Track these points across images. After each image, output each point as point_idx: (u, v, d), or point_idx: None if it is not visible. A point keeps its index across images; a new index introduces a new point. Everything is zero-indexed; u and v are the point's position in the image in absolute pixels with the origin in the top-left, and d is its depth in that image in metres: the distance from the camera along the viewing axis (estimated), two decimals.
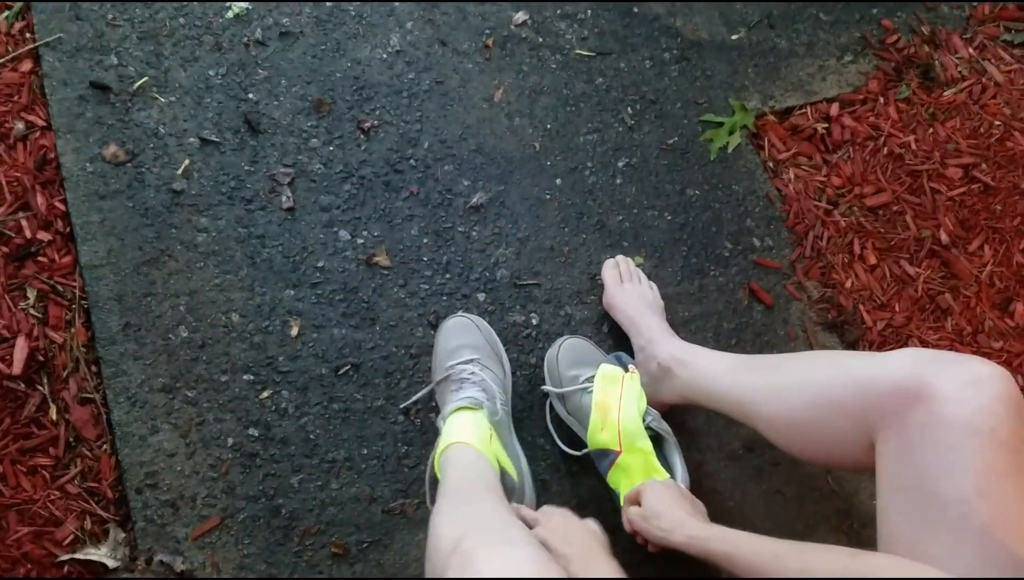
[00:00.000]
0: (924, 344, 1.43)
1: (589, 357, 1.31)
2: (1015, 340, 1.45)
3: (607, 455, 1.19)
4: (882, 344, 1.43)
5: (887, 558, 0.84)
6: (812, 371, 1.04)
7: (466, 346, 1.27)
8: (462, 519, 0.90)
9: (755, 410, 1.09)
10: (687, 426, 1.34)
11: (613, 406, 1.19)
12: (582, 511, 1.07)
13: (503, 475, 1.13)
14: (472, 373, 1.22)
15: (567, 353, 1.30)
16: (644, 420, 1.19)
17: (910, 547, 0.86)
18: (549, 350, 1.32)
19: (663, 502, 1.09)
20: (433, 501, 1.08)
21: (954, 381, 0.88)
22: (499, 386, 1.24)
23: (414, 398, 1.28)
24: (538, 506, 1.12)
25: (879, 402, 0.92)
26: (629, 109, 1.55)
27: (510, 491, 1.15)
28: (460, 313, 1.31)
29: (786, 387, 1.06)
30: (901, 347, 1.42)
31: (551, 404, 1.31)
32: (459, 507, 0.96)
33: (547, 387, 1.29)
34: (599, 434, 1.20)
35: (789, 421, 1.04)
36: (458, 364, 1.24)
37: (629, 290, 1.36)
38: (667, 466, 1.18)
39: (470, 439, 1.11)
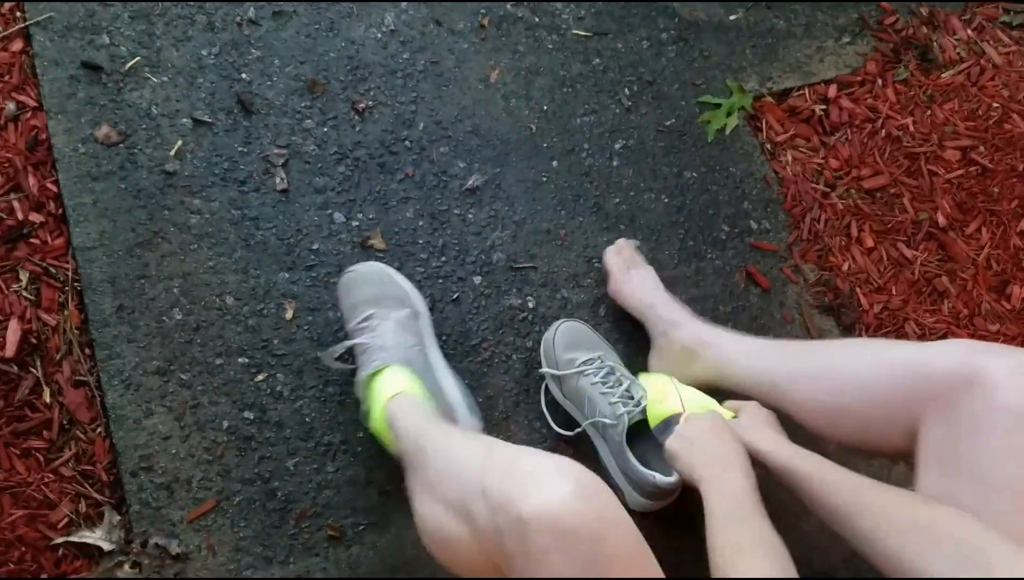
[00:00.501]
0: (920, 327, 1.43)
1: (585, 340, 1.30)
2: (1012, 323, 1.45)
3: (670, 423, 1.16)
4: (878, 327, 1.43)
5: (955, 514, 0.84)
6: (855, 357, 1.06)
7: (361, 302, 1.23)
8: (466, 443, 0.93)
9: (789, 394, 1.10)
10: None
11: (667, 381, 1.20)
12: None
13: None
14: (372, 334, 1.20)
15: (564, 336, 1.30)
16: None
17: None
18: (546, 333, 1.32)
19: (755, 420, 1.09)
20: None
21: (1007, 369, 0.89)
22: (404, 329, 1.22)
23: (339, 347, 1.25)
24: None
25: (929, 389, 0.93)
26: (626, 90, 1.54)
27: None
28: (347, 270, 1.27)
29: (823, 372, 1.08)
30: (897, 330, 1.42)
31: (546, 387, 1.31)
32: (450, 437, 0.98)
33: (544, 369, 1.29)
34: (659, 405, 1.18)
35: (827, 406, 1.06)
36: (358, 324, 1.22)
37: (636, 276, 1.35)
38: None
39: (399, 389, 1.13)
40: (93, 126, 1.35)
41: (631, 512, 0.80)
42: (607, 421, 1.21)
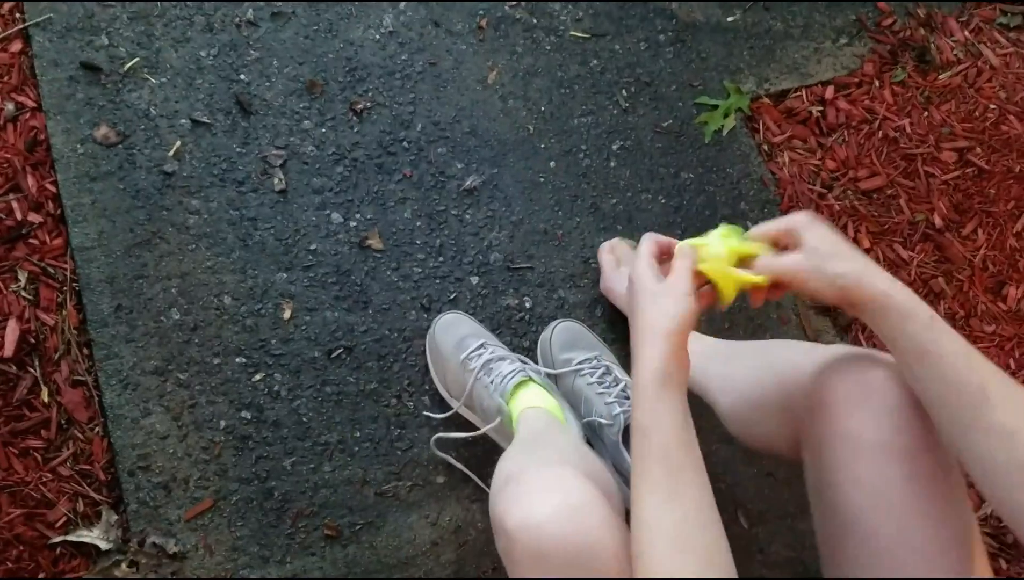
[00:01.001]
0: None
1: (582, 340, 1.31)
2: (1007, 324, 1.45)
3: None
4: None
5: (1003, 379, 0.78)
6: (762, 367, 1.03)
7: (468, 336, 1.27)
8: (523, 457, 0.92)
9: (715, 398, 1.10)
10: None
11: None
12: None
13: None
14: (493, 353, 1.23)
15: (560, 336, 1.30)
16: None
17: (831, 554, 0.85)
18: (543, 333, 1.32)
19: (829, 239, 0.88)
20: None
21: (845, 391, 0.84)
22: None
23: (454, 436, 1.23)
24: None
25: (797, 402, 0.90)
26: (624, 91, 1.55)
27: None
28: (441, 315, 1.31)
29: (739, 378, 1.06)
30: None
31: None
32: (525, 448, 0.98)
33: (540, 368, 1.29)
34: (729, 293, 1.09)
35: (737, 413, 1.05)
36: (472, 352, 1.23)
37: (626, 274, 1.36)
38: None
39: (542, 404, 1.16)
40: (92, 127, 1.35)
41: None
42: (603, 421, 1.21)
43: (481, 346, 1.24)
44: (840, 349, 0.91)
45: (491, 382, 1.19)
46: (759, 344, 1.15)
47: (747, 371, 1.05)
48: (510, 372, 1.19)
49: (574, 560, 0.75)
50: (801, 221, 0.86)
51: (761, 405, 0.99)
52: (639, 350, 0.81)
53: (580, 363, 1.26)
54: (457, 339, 1.26)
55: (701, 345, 1.21)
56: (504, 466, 0.91)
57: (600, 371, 1.24)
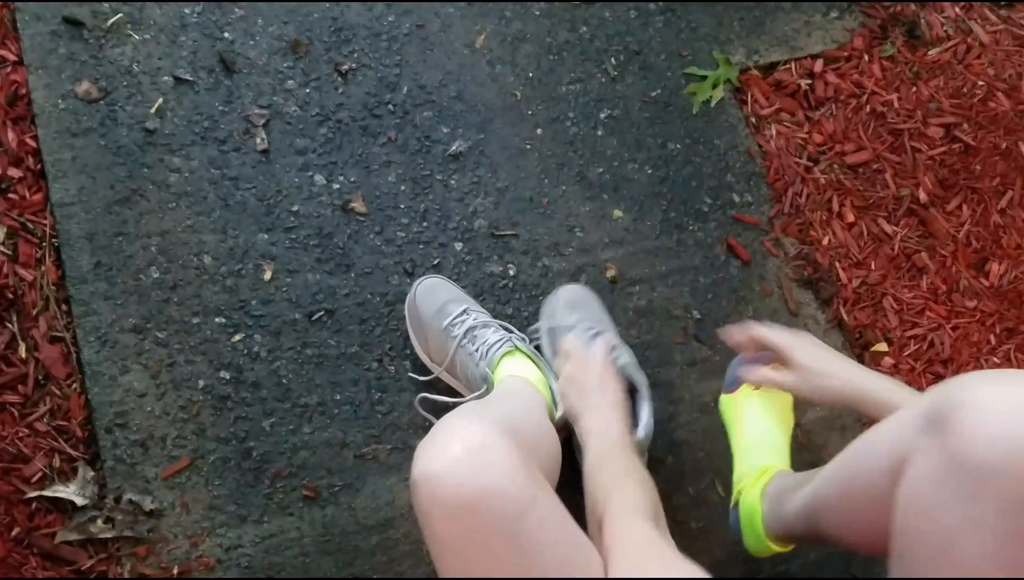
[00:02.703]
0: (898, 302, 1.43)
1: (592, 308, 1.29)
2: (989, 299, 1.45)
3: None
4: (856, 301, 1.43)
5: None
6: (855, 443, 0.90)
7: (449, 301, 1.26)
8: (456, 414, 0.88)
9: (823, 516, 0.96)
10: (660, 378, 1.35)
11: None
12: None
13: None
14: (476, 319, 1.22)
15: (568, 295, 1.29)
16: (626, 369, 1.19)
17: None
18: (553, 292, 1.31)
19: (819, 358, 1.04)
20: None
21: (981, 400, 0.69)
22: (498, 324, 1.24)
23: (439, 399, 1.20)
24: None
25: (905, 444, 0.76)
26: (612, 60, 1.54)
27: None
28: (422, 280, 1.29)
29: (837, 471, 0.93)
30: (875, 305, 1.43)
31: (538, 346, 1.28)
32: (472, 406, 0.94)
33: (524, 336, 1.27)
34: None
35: (840, 509, 0.92)
36: (455, 318, 1.23)
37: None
38: (634, 416, 1.18)
39: (528, 377, 1.16)
40: (74, 82, 1.34)
41: None
42: None
43: (464, 312, 1.23)
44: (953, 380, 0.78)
45: (476, 350, 1.19)
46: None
47: (846, 460, 0.91)
48: (497, 341, 1.18)
49: (474, 508, 0.72)
50: (791, 344, 1.06)
51: (868, 482, 0.84)
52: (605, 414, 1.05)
53: (581, 325, 1.24)
54: (439, 304, 1.25)
55: (791, 481, 1.08)
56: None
57: (593, 332, 1.23)
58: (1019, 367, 1.43)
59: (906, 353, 1.41)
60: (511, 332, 1.23)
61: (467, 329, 1.20)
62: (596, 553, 0.80)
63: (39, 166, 1.29)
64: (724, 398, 1.26)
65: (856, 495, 0.87)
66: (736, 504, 1.18)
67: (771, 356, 1.10)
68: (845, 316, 1.42)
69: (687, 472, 1.31)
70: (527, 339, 1.26)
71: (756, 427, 1.20)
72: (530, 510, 0.74)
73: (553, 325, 1.27)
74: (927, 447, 0.72)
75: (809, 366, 1.03)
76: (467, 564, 0.74)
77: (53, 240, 1.26)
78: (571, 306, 1.28)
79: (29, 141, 1.30)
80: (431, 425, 1.22)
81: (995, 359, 1.42)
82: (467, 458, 0.74)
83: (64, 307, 1.24)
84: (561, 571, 0.75)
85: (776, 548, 1.12)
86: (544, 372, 1.21)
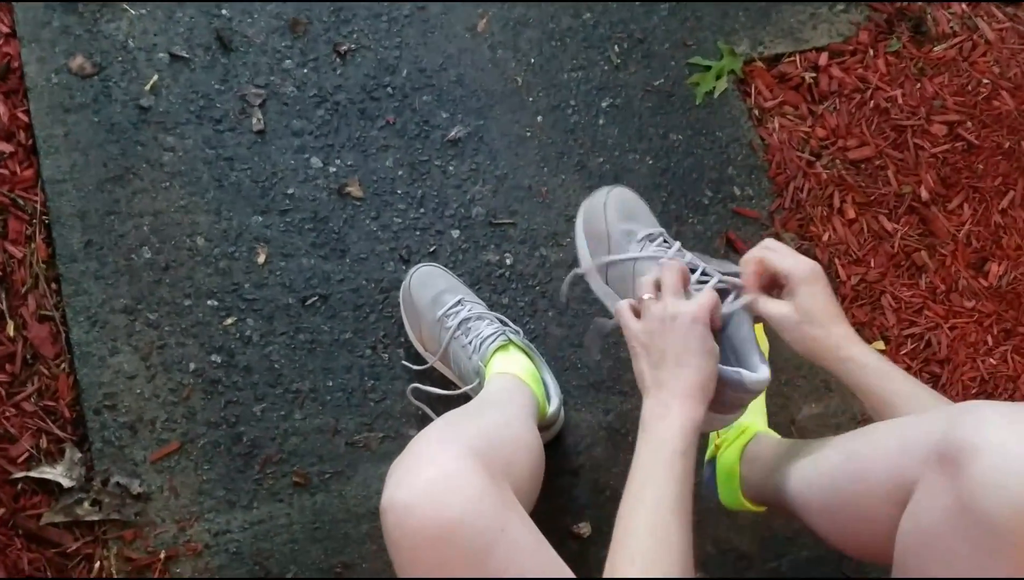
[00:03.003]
0: (897, 300, 1.42)
1: (642, 214, 1.10)
2: (987, 300, 1.45)
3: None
4: (855, 299, 1.42)
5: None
6: (852, 445, 0.88)
7: (444, 291, 1.24)
8: (433, 429, 0.85)
9: (801, 501, 0.94)
10: None
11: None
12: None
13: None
14: (471, 310, 1.20)
15: (617, 202, 1.08)
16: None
17: None
18: (590, 199, 1.10)
19: (826, 311, 0.93)
20: None
21: (998, 446, 0.65)
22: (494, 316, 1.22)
23: (431, 390, 1.19)
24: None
25: (909, 471, 0.74)
26: (616, 47, 1.52)
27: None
28: (417, 268, 1.27)
29: (832, 471, 0.90)
30: (873, 303, 1.42)
31: (570, 281, 1.09)
32: (451, 419, 0.91)
33: (518, 329, 1.24)
34: None
35: (827, 511, 0.90)
36: (450, 309, 1.21)
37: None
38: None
39: (519, 373, 1.12)
40: (67, 56, 1.31)
41: None
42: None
43: (458, 303, 1.22)
44: (966, 405, 0.76)
45: (469, 343, 1.17)
46: (844, 436, 0.93)
47: (839, 461, 0.89)
48: (490, 335, 1.17)
49: (440, 542, 0.71)
50: (802, 274, 0.93)
51: (865, 495, 0.83)
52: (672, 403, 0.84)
53: (643, 239, 1.05)
54: (434, 294, 1.24)
55: (780, 448, 1.07)
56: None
57: (675, 247, 1.05)
58: (1016, 368, 1.42)
59: (903, 352, 1.40)
60: (506, 324, 1.21)
61: (461, 320, 1.19)
62: (569, 573, 0.78)
63: (31, 141, 1.27)
64: None
65: (848, 510, 0.85)
66: (712, 460, 1.18)
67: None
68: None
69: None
70: (520, 332, 1.24)
71: None
72: (499, 540, 0.73)
73: (611, 259, 1.06)
74: (935, 483, 0.70)
75: (809, 308, 0.92)
76: None
77: (44, 217, 1.24)
78: (624, 217, 1.07)
79: (21, 116, 1.28)
80: (423, 414, 1.22)
81: (992, 360, 1.42)
82: (432, 489, 0.72)
83: (54, 286, 1.22)
84: None
85: (752, 508, 1.12)
86: (538, 366, 1.20)
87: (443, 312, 1.21)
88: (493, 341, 1.16)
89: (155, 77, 1.33)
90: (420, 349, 1.26)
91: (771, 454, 1.07)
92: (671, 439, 0.82)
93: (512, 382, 1.12)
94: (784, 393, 1.35)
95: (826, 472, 0.90)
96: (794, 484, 0.95)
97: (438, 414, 1.23)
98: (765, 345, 1.24)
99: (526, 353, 1.19)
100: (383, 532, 0.75)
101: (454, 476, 0.74)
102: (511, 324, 1.23)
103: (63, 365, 1.20)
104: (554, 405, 1.20)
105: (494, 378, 1.13)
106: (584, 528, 1.24)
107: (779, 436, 1.17)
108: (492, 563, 0.72)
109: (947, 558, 0.69)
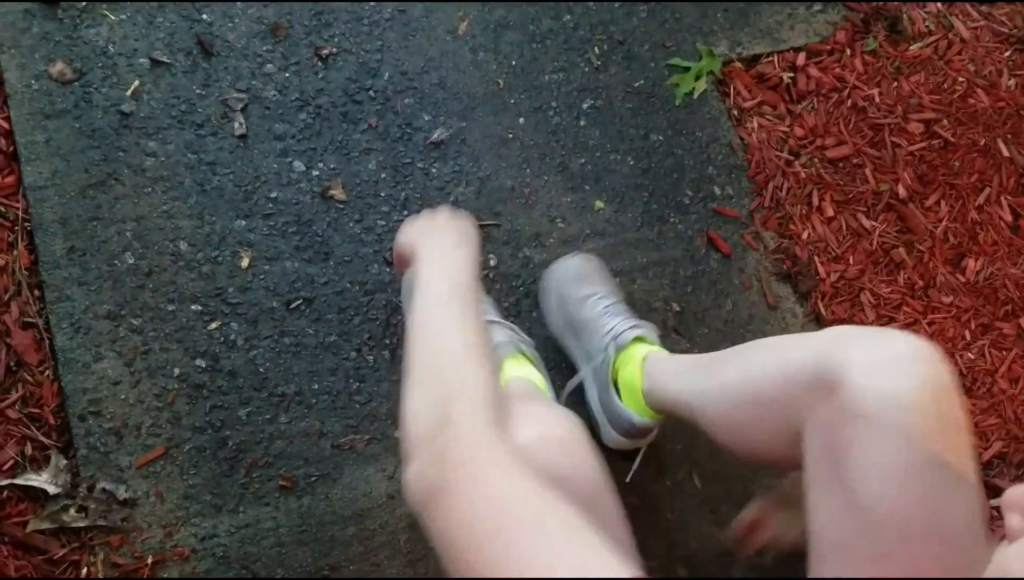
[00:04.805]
0: (875, 297, 1.44)
1: (596, 275, 1.31)
2: (965, 295, 1.47)
3: None
4: (834, 295, 1.44)
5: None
6: (749, 363, 0.94)
7: None
8: None
9: (701, 411, 1.01)
10: None
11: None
12: None
13: None
14: (486, 316, 1.21)
15: (572, 271, 1.30)
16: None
17: (839, 554, 0.77)
18: (548, 272, 1.32)
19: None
20: None
21: (864, 365, 0.75)
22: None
23: None
24: None
25: (798, 393, 0.82)
26: (596, 49, 1.53)
27: None
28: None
29: (724, 386, 0.97)
30: (853, 300, 1.44)
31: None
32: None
33: (530, 340, 1.26)
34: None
35: (728, 420, 0.96)
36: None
37: None
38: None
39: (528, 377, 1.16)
40: (47, 62, 1.31)
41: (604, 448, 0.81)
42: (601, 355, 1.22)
43: None
44: (842, 329, 0.85)
45: None
46: (741, 347, 1.01)
47: (735, 374, 0.96)
48: (501, 343, 1.19)
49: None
50: None
51: (756, 404, 0.90)
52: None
53: (596, 298, 1.26)
54: None
55: (675, 365, 1.13)
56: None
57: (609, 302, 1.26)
58: (993, 362, 1.44)
59: None
60: (516, 333, 1.23)
61: None
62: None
63: (11, 148, 1.26)
64: None
65: (746, 428, 0.93)
66: (615, 381, 1.22)
67: None
68: (823, 310, 1.43)
69: (664, 464, 1.32)
70: (532, 343, 1.26)
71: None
72: (604, 498, 0.78)
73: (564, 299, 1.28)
74: (822, 405, 0.79)
75: None
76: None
77: (26, 224, 1.24)
78: (580, 279, 1.29)
79: (1, 122, 1.27)
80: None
81: (970, 354, 1.44)
82: (554, 443, 0.78)
83: (37, 292, 1.22)
84: None
85: (655, 417, 1.18)
86: (543, 375, 1.22)
87: None
88: (503, 349, 1.18)
89: (136, 82, 1.33)
90: None
91: (671, 370, 1.13)
92: (460, 275, 0.86)
93: (527, 386, 1.14)
94: None
95: (724, 393, 0.97)
96: (695, 401, 1.03)
97: None
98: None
99: (534, 365, 1.21)
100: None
101: (572, 428, 0.80)
102: (523, 334, 1.24)
103: (47, 372, 1.20)
104: None
105: (512, 382, 1.14)
106: None
107: (668, 353, 1.21)
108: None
109: (838, 463, 0.76)
